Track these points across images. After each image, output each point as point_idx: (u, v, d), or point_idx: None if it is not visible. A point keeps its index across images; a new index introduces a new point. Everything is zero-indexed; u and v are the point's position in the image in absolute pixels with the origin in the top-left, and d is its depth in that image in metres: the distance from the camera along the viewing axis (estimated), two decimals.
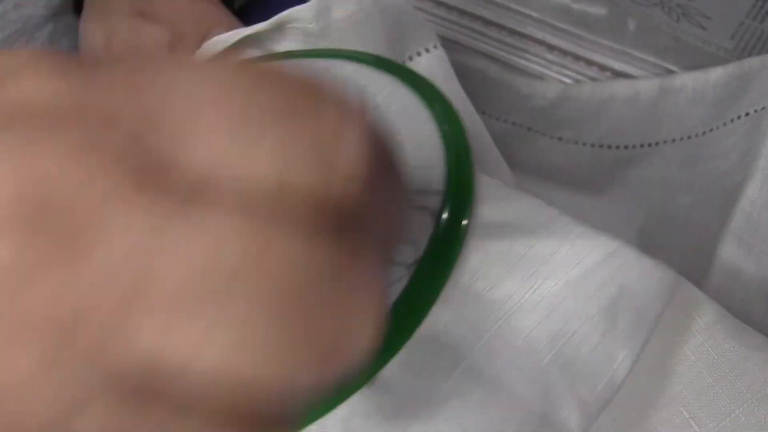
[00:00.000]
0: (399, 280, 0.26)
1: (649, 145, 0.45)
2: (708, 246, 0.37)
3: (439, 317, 0.26)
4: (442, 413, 0.24)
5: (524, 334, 0.26)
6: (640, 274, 0.28)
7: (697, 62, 0.49)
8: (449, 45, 0.47)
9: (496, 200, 0.28)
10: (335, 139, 0.15)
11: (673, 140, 0.45)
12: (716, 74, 0.45)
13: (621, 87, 0.48)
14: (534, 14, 0.51)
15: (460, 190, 0.28)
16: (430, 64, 0.38)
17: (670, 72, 0.49)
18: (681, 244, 0.41)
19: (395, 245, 0.18)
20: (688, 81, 0.46)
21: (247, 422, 0.14)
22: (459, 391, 0.25)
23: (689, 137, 0.44)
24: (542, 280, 0.26)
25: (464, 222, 0.27)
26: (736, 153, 0.41)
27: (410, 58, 0.38)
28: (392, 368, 0.25)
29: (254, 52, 0.39)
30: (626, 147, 0.46)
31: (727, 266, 0.36)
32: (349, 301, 0.14)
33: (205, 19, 0.40)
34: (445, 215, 0.27)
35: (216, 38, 0.38)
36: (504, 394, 0.25)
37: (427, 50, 0.38)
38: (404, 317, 0.25)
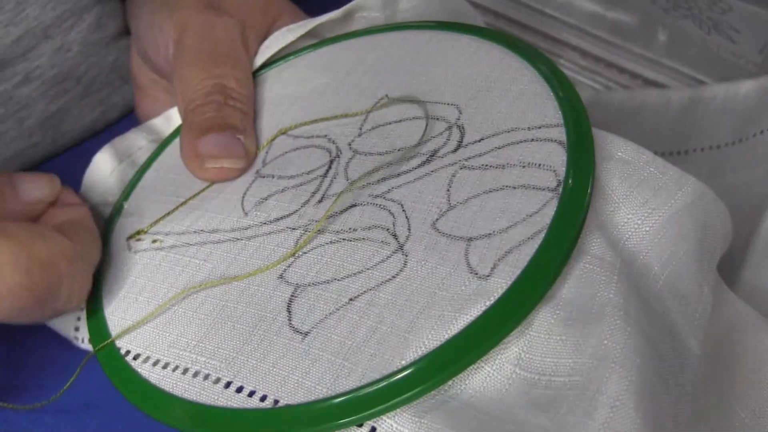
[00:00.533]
0: (548, 202, 0.28)
1: (678, 153, 0.46)
2: (736, 254, 0.38)
3: (586, 232, 0.28)
4: (612, 315, 0.25)
5: (640, 257, 0.28)
6: (717, 215, 0.30)
7: (727, 74, 0.50)
8: None
9: (602, 135, 0.31)
10: None
11: (702, 149, 0.46)
12: (746, 87, 0.46)
13: (652, 95, 0.49)
14: (569, 20, 0.52)
15: (577, 119, 0.30)
16: None
17: (701, 83, 0.50)
18: None
19: None
20: (718, 92, 0.47)
21: None
22: (623, 296, 0.26)
23: (718, 147, 0.45)
24: (651, 210, 0.29)
25: (593, 149, 0.29)
26: (765, 164, 0.42)
27: None
28: (561, 283, 0.27)
29: (310, 41, 0.40)
30: (655, 154, 0.47)
31: (754, 274, 0.37)
32: None
33: (272, 8, 0.40)
34: (574, 143, 0.30)
35: (286, 28, 0.39)
36: (649, 306, 0.27)
37: None
38: (562, 234, 0.27)
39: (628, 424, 0.23)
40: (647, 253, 0.28)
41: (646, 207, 0.29)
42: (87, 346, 0.34)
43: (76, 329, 0.35)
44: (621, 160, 0.30)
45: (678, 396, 0.26)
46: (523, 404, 0.25)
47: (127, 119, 0.51)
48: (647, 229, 0.29)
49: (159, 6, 0.41)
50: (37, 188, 0.34)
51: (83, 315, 0.34)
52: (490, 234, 0.28)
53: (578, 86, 0.52)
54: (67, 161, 0.48)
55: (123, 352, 0.31)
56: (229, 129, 0.36)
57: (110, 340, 0.32)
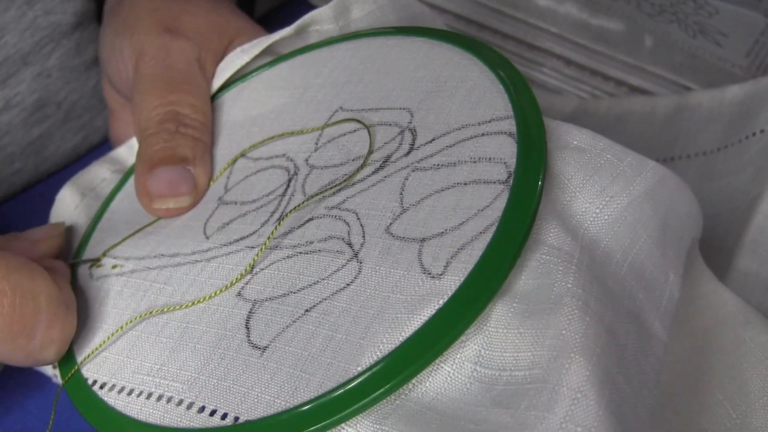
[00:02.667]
0: (500, 194, 0.28)
1: (665, 160, 0.46)
2: (723, 259, 0.37)
3: (541, 222, 0.27)
4: (570, 304, 0.25)
5: (601, 245, 0.28)
6: (682, 200, 0.30)
7: (713, 79, 0.49)
8: None
9: (556, 125, 0.30)
10: None
11: (688, 156, 0.45)
12: (732, 92, 0.45)
13: (638, 103, 0.49)
14: (552, 29, 0.52)
15: (527, 109, 0.29)
16: None
17: (686, 88, 0.49)
18: None
19: None
20: (703, 98, 0.47)
21: None
22: (582, 285, 0.26)
23: (704, 153, 0.45)
24: (609, 198, 0.28)
25: (544, 137, 0.29)
26: (751, 169, 0.41)
27: None
28: (517, 275, 0.26)
29: (268, 59, 0.39)
30: None
31: (741, 279, 0.36)
32: None
33: (229, 30, 0.40)
34: (524, 133, 0.29)
35: (239, 49, 0.39)
36: (612, 294, 0.27)
37: None
38: (514, 226, 0.27)
39: (591, 416, 0.23)
40: (608, 242, 0.28)
41: (603, 195, 0.28)
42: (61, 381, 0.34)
43: (54, 366, 0.34)
44: (577, 148, 0.29)
45: (640, 386, 0.25)
46: (485, 403, 0.25)
47: (110, 143, 0.51)
48: (606, 217, 0.28)
49: (120, 29, 0.41)
50: (41, 229, 0.35)
51: None
52: (442, 232, 0.28)
53: (563, 95, 0.52)
54: (49, 187, 0.48)
55: (90, 382, 0.31)
56: (179, 161, 0.35)
57: (74, 370, 0.32)
